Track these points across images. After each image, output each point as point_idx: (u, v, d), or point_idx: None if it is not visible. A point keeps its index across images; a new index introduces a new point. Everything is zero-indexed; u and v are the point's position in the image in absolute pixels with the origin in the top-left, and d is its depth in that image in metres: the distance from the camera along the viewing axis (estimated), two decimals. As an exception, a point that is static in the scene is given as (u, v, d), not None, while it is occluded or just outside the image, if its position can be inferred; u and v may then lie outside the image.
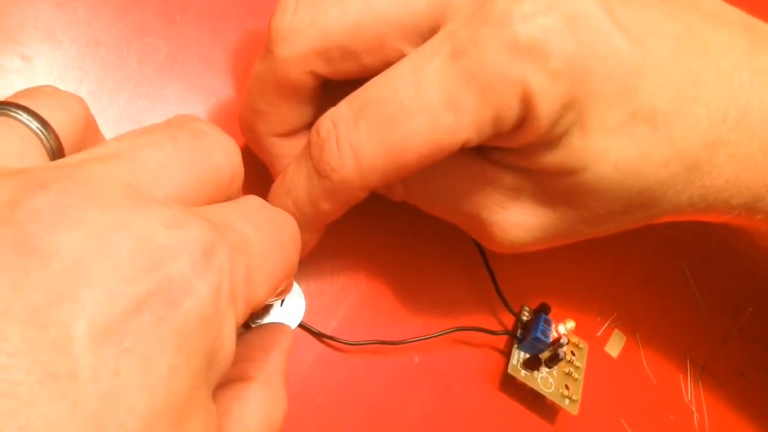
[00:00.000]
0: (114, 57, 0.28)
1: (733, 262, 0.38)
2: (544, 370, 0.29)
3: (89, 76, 0.27)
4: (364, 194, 0.23)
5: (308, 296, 0.28)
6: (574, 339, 0.31)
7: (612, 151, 0.22)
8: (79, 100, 0.18)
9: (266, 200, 0.21)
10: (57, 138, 0.16)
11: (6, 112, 0.16)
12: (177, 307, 0.13)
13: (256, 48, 0.30)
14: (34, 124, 0.16)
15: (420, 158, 0.21)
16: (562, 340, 0.28)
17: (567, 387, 0.30)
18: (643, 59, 0.21)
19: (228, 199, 0.18)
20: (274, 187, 0.24)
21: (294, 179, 0.23)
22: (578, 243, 0.26)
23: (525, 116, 0.21)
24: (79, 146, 0.18)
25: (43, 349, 0.11)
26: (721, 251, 0.38)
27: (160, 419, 0.12)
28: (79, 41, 0.27)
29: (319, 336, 0.27)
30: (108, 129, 0.24)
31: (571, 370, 0.30)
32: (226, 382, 0.18)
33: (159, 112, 0.28)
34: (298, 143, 0.24)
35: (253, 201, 0.18)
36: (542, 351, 0.29)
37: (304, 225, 0.20)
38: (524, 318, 0.31)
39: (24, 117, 0.16)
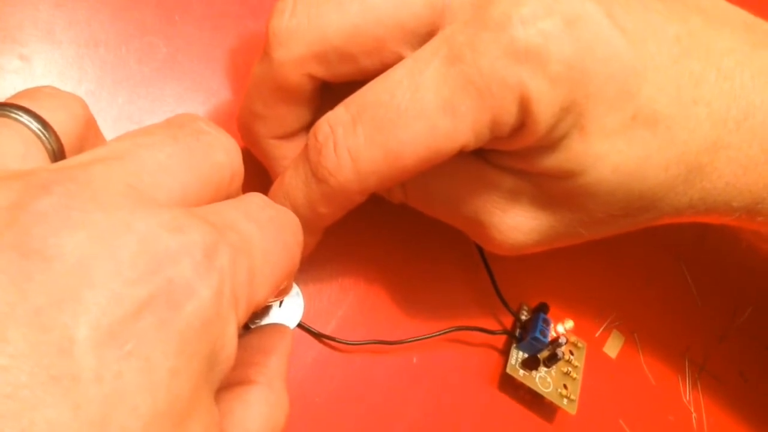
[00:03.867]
0: (113, 57, 0.27)
1: (732, 262, 0.38)
2: (542, 369, 0.29)
3: (88, 76, 0.27)
4: (363, 198, 0.23)
5: (307, 296, 0.28)
6: (573, 339, 0.31)
7: (611, 154, 0.22)
8: (80, 101, 0.18)
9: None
10: (58, 139, 0.16)
11: (6, 113, 0.16)
12: (179, 310, 0.13)
13: (255, 48, 0.30)
14: (35, 126, 0.16)
15: (418, 162, 0.21)
16: (560, 340, 0.28)
17: (565, 386, 0.30)
18: (643, 61, 0.21)
19: (228, 198, 0.18)
20: (273, 189, 0.24)
21: (292, 183, 0.23)
22: (577, 243, 0.26)
23: (523, 120, 0.21)
24: (80, 147, 0.17)
25: (45, 352, 0.11)
26: (719, 251, 0.38)
27: (162, 421, 0.12)
28: (78, 41, 0.27)
29: (318, 336, 0.27)
30: (107, 129, 0.24)
31: (570, 369, 0.30)
32: (228, 385, 0.18)
33: (158, 111, 0.28)
34: (296, 145, 0.24)
35: (256, 199, 0.18)
36: (541, 351, 0.29)
37: (302, 228, 0.20)
38: (523, 317, 0.31)
39: (24, 118, 0.16)
